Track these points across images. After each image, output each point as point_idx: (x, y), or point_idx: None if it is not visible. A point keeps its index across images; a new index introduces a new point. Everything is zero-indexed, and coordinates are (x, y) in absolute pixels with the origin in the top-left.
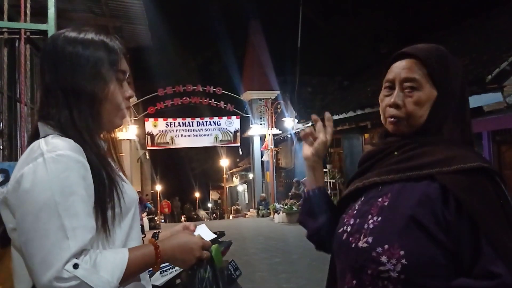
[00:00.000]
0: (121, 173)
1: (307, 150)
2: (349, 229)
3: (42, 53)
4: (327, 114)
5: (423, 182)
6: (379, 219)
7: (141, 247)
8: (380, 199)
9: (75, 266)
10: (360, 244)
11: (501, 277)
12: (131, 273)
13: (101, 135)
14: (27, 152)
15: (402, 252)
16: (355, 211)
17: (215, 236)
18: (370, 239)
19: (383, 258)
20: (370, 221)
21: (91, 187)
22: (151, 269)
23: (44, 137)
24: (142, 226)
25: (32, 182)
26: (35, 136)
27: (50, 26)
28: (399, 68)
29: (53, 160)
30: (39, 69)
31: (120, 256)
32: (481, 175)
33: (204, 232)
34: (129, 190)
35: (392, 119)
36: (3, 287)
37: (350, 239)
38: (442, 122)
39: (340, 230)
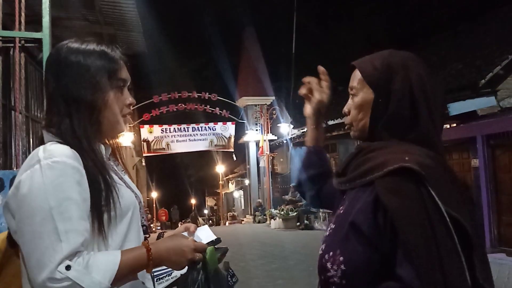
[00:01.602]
0: (126, 176)
1: (308, 108)
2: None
3: (46, 63)
4: (320, 68)
5: (368, 188)
6: (334, 226)
7: (133, 249)
8: (340, 207)
9: (68, 267)
10: (320, 251)
11: (401, 280)
12: (123, 274)
13: (106, 141)
14: (28, 159)
15: (341, 258)
16: None
17: (215, 238)
18: (323, 247)
19: (329, 265)
20: (329, 229)
21: (86, 191)
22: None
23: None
24: (147, 227)
25: (29, 188)
26: (41, 143)
27: (44, 35)
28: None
29: (48, 166)
30: (44, 79)
31: (112, 258)
32: (404, 175)
33: (204, 234)
34: (127, 194)
35: (346, 126)
36: (13, 285)
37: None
38: (385, 122)
39: None
